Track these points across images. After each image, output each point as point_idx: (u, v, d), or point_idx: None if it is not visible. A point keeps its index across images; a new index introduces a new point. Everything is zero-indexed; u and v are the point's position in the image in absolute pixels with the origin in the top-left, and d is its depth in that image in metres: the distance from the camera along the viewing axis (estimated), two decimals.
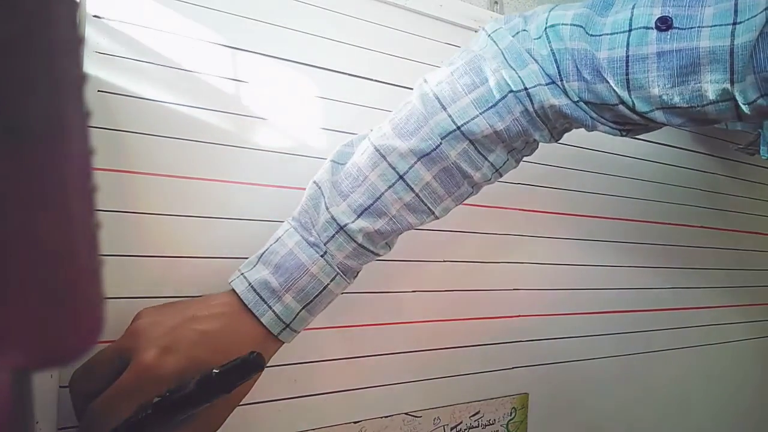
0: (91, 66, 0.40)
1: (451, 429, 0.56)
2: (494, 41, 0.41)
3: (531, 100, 0.40)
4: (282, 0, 0.49)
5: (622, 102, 0.39)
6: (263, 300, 0.38)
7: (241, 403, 0.39)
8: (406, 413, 0.53)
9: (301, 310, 0.39)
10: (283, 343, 0.40)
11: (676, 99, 0.37)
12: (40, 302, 0.14)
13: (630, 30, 0.37)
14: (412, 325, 0.54)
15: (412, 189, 0.40)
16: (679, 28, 0.35)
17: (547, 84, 0.40)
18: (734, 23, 0.33)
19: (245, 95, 0.46)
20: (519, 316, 0.61)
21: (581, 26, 0.39)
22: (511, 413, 0.60)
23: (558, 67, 0.40)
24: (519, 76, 0.40)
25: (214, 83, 0.45)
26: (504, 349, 0.60)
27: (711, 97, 0.36)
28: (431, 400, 0.55)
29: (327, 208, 0.39)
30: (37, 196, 0.13)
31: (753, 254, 0.89)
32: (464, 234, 0.58)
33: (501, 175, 0.44)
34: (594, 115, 0.41)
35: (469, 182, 0.42)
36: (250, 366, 0.33)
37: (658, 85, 0.37)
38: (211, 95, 0.45)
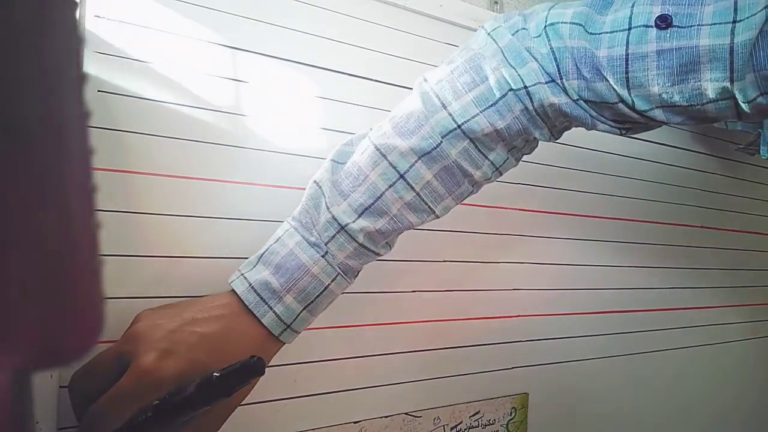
0: (91, 66, 0.40)
1: (451, 429, 0.56)
2: (494, 39, 0.41)
3: (531, 99, 0.40)
4: (282, 0, 0.49)
5: (622, 100, 0.39)
6: (264, 301, 0.38)
7: (240, 403, 0.39)
8: (406, 413, 0.53)
9: (302, 311, 0.39)
10: (284, 344, 0.40)
11: (676, 97, 0.37)
12: (40, 302, 0.14)
13: (630, 28, 0.37)
14: (412, 325, 0.54)
15: (412, 188, 0.40)
16: (678, 27, 0.35)
17: (546, 82, 0.40)
18: (734, 21, 0.33)
19: (245, 95, 0.46)
20: (519, 316, 0.61)
21: (581, 24, 0.39)
22: (511, 413, 0.60)
23: (558, 66, 0.40)
24: (519, 75, 0.40)
25: (214, 83, 0.45)
26: (504, 349, 0.60)
27: (711, 96, 0.36)
28: (431, 400, 0.55)
29: (328, 208, 0.39)
30: (37, 196, 0.13)
31: (753, 254, 0.89)
32: (464, 234, 0.58)
33: (501, 174, 0.44)
34: (594, 114, 0.41)
35: (469, 181, 0.42)
36: (251, 370, 0.33)
37: (658, 84, 0.37)
38: (211, 95, 0.45)
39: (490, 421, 0.58)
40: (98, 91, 0.40)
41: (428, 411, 0.54)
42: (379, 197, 0.39)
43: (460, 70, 0.41)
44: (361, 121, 0.52)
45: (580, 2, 0.41)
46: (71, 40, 0.15)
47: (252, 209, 0.46)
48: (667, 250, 0.76)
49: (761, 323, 0.89)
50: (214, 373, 0.32)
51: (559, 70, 0.40)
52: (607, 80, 0.38)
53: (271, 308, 0.38)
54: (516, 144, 0.43)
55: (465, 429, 0.56)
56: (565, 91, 0.40)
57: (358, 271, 0.42)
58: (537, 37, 0.40)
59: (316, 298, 0.39)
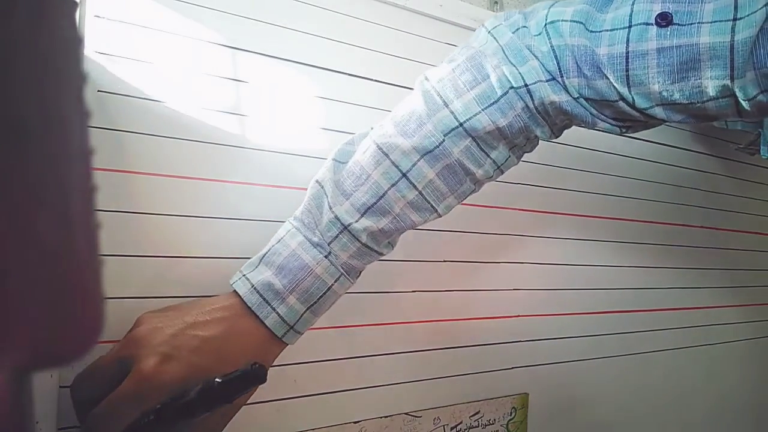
0: (91, 66, 0.40)
1: (451, 429, 0.56)
2: (494, 38, 0.41)
3: (531, 97, 0.40)
4: (282, 0, 0.49)
5: (622, 98, 0.39)
6: (267, 302, 0.38)
7: (241, 407, 0.39)
8: (406, 413, 0.53)
9: (305, 312, 0.39)
10: (287, 345, 0.40)
11: (676, 95, 0.37)
12: (40, 302, 0.14)
13: (630, 26, 0.37)
14: (412, 325, 0.54)
15: (415, 187, 0.40)
16: (679, 24, 0.35)
17: (547, 80, 0.40)
18: (734, 19, 0.33)
19: (245, 95, 0.46)
20: (519, 316, 0.61)
21: (581, 22, 0.39)
22: (511, 413, 0.60)
23: (558, 64, 0.40)
24: (519, 73, 0.40)
25: (214, 83, 0.45)
26: (504, 349, 0.60)
27: (711, 94, 0.36)
28: (431, 400, 0.55)
29: (330, 208, 0.39)
30: (37, 196, 0.13)
31: (753, 254, 0.89)
32: (464, 234, 0.58)
33: (502, 172, 0.44)
34: (594, 112, 0.41)
35: (471, 179, 0.42)
36: (252, 378, 0.33)
37: (658, 82, 0.37)
38: (211, 95, 0.45)
39: (490, 421, 0.58)
40: (98, 91, 0.40)
41: (428, 411, 0.54)
42: (382, 196, 0.39)
43: (461, 69, 0.41)
44: (361, 121, 0.52)
45: (580, 0, 0.41)
46: (71, 40, 0.15)
47: (252, 209, 0.46)
48: (667, 250, 0.76)
49: (761, 323, 0.89)
50: (216, 379, 0.32)
51: (559, 68, 0.40)
52: (607, 78, 0.38)
53: (274, 309, 0.38)
54: (517, 142, 0.43)
55: (465, 429, 0.56)
56: (565, 89, 0.40)
57: (361, 271, 0.42)
58: (537, 35, 0.40)
59: (319, 298, 0.39)
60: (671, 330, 0.76)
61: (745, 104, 0.35)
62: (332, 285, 0.39)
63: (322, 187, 0.40)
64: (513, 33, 0.41)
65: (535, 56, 0.40)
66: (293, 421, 0.47)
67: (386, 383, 0.52)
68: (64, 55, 0.14)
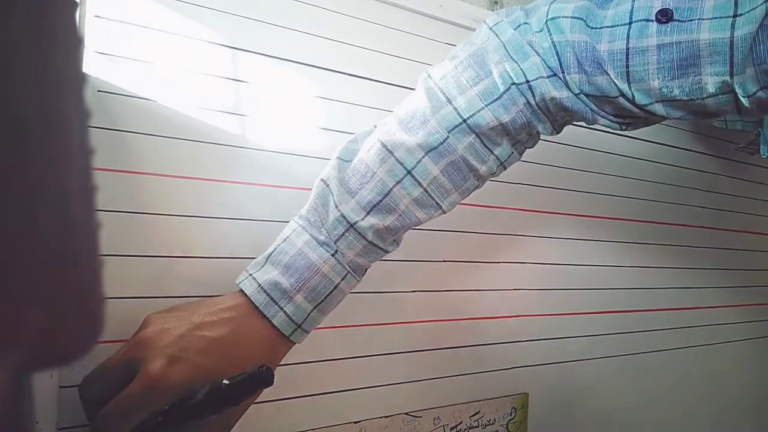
0: (91, 66, 0.40)
1: (451, 429, 0.56)
2: (496, 34, 0.42)
3: (532, 93, 0.40)
4: (282, 0, 0.49)
5: (622, 94, 0.39)
6: (274, 301, 0.38)
7: (248, 408, 0.39)
8: (406, 413, 0.53)
9: (312, 310, 0.39)
10: (294, 344, 0.40)
11: (676, 91, 0.37)
12: (40, 302, 0.14)
13: (630, 22, 0.37)
14: (412, 325, 0.54)
15: (420, 184, 0.40)
16: (679, 21, 0.35)
17: (548, 76, 0.40)
18: (734, 15, 0.33)
19: (245, 95, 0.46)
20: (519, 316, 0.61)
21: (582, 19, 0.39)
22: (511, 413, 0.60)
23: (559, 60, 0.40)
24: (521, 69, 0.40)
25: (214, 83, 0.45)
26: (504, 349, 0.60)
27: (711, 90, 0.36)
28: (431, 400, 0.55)
29: (336, 206, 0.39)
30: (37, 196, 0.13)
31: (753, 254, 0.89)
32: (464, 234, 0.58)
33: (505, 168, 0.44)
34: (594, 108, 0.41)
35: (475, 175, 0.42)
36: (259, 380, 0.33)
37: (658, 78, 0.37)
38: (211, 95, 0.45)
39: (490, 421, 0.58)
40: (98, 91, 0.40)
41: (428, 411, 0.54)
42: (387, 194, 0.39)
43: (464, 65, 0.41)
44: (361, 121, 0.52)
45: None
46: (71, 40, 0.15)
47: (252, 209, 0.46)
48: (667, 250, 0.76)
49: (761, 323, 0.89)
50: (224, 381, 0.32)
51: (560, 64, 0.40)
52: (607, 74, 0.39)
53: (281, 308, 0.38)
54: (520, 138, 0.43)
55: (465, 429, 0.56)
56: (566, 85, 0.40)
57: (366, 269, 0.42)
58: (539, 31, 0.41)
59: (326, 297, 0.39)
60: (671, 330, 0.76)
61: (744, 101, 0.35)
62: (339, 283, 0.39)
63: (328, 186, 0.40)
64: (514, 29, 0.41)
65: (536, 52, 0.40)
66: (293, 421, 0.47)
67: (386, 383, 0.52)
68: (64, 55, 0.14)
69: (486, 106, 0.40)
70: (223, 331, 0.36)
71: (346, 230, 0.39)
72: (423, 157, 0.40)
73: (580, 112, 0.41)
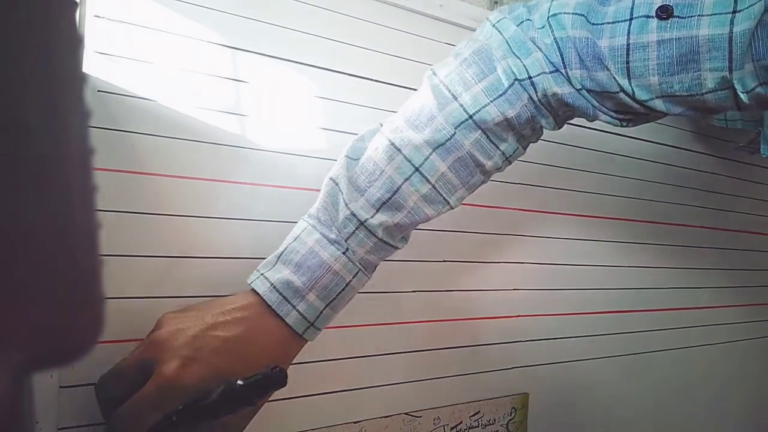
0: (91, 66, 0.40)
1: (451, 429, 0.56)
2: (499, 31, 0.42)
3: (535, 89, 0.41)
4: (282, 0, 0.49)
5: (623, 90, 0.39)
6: (287, 300, 0.38)
7: (261, 407, 0.39)
8: (406, 413, 0.53)
9: (324, 308, 0.39)
10: (306, 342, 0.40)
11: (676, 87, 0.37)
12: (40, 302, 0.14)
13: (631, 18, 0.38)
14: (411, 325, 0.54)
15: (428, 180, 0.40)
16: (679, 17, 0.36)
17: (550, 72, 0.40)
18: (734, 11, 0.34)
19: (245, 95, 0.46)
20: (519, 316, 0.61)
21: (583, 15, 0.40)
22: (511, 413, 0.60)
23: (561, 55, 0.40)
24: (524, 65, 0.40)
25: (214, 83, 0.45)
26: (504, 349, 0.60)
27: (710, 86, 0.36)
28: (431, 400, 0.55)
29: (346, 204, 0.39)
30: (37, 196, 0.13)
31: (753, 254, 0.89)
32: (464, 234, 0.58)
33: (510, 163, 0.45)
34: (596, 104, 0.41)
35: (481, 171, 0.43)
36: (273, 381, 0.33)
37: (658, 73, 0.37)
38: (211, 95, 0.45)
39: (490, 421, 0.58)
40: (98, 91, 0.40)
41: (428, 411, 0.54)
42: (396, 191, 0.40)
43: (468, 62, 0.41)
44: (361, 121, 0.52)
45: None
46: (71, 40, 0.15)
47: (252, 209, 0.46)
48: (667, 250, 0.76)
49: (761, 323, 0.89)
50: (238, 382, 0.33)
51: (563, 60, 0.40)
52: (608, 70, 0.39)
53: (294, 307, 0.38)
54: (525, 133, 0.44)
55: (465, 429, 0.56)
56: (568, 80, 0.40)
57: (376, 266, 0.43)
58: (541, 28, 0.41)
59: (338, 294, 0.39)
60: (671, 330, 0.76)
61: (743, 96, 0.35)
62: (350, 281, 0.40)
63: (337, 184, 0.40)
64: (517, 26, 0.42)
65: (539, 48, 0.41)
66: (293, 421, 0.47)
67: (386, 383, 0.52)
68: (64, 55, 0.14)
69: (491, 101, 0.40)
70: (236, 330, 0.37)
71: (357, 228, 0.39)
72: (431, 154, 0.40)
73: (582, 108, 0.42)
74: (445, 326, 0.56)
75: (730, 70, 0.34)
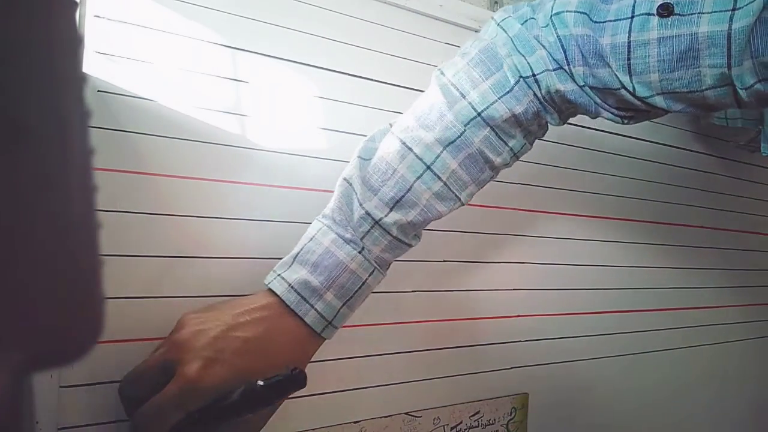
0: (91, 66, 0.40)
1: (451, 429, 0.56)
2: (503, 29, 0.43)
3: (539, 86, 0.41)
4: (282, 0, 0.49)
5: (624, 86, 0.40)
6: (305, 299, 0.38)
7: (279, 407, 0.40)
8: (406, 413, 0.53)
9: (342, 307, 0.40)
10: (324, 340, 0.41)
11: (676, 84, 0.38)
12: (40, 302, 0.14)
13: (632, 16, 0.38)
14: (411, 325, 0.54)
15: (439, 178, 0.41)
16: (680, 15, 0.36)
17: (554, 69, 0.41)
18: (733, 9, 0.34)
19: (245, 95, 0.46)
20: (519, 316, 0.61)
21: (585, 13, 0.40)
22: (511, 413, 0.60)
23: (565, 53, 0.41)
24: (528, 62, 0.41)
25: (215, 83, 0.45)
26: (504, 349, 0.60)
27: (709, 82, 0.37)
28: (431, 400, 0.55)
29: (360, 204, 0.40)
30: (38, 197, 0.13)
31: (753, 254, 0.89)
32: (464, 234, 0.58)
33: (518, 159, 0.46)
34: (598, 101, 0.42)
35: (490, 167, 0.44)
36: (292, 382, 0.34)
37: (658, 70, 0.38)
38: (211, 95, 0.45)
39: (490, 421, 0.58)
40: (98, 91, 0.40)
41: (428, 411, 0.54)
42: (409, 189, 0.40)
43: (475, 61, 0.42)
44: (361, 121, 0.52)
45: None
46: (71, 40, 0.15)
47: (252, 209, 0.46)
48: (667, 250, 0.76)
49: (761, 323, 0.89)
50: (258, 382, 0.33)
51: (566, 57, 0.41)
52: (609, 67, 0.39)
53: (312, 306, 0.39)
54: (531, 129, 0.44)
55: (465, 429, 0.56)
56: (572, 77, 0.41)
57: (390, 264, 0.43)
58: (545, 26, 0.42)
59: (354, 293, 0.40)
60: (671, 330, 0.76)
61: (742, 93, 0.36)
62: (367, 279, 0.40)
63: (351, 185, 0.41)
64: (521, 24, 0.42)
65: (542, 46, 0.41)
66: (293, 421, 0.47)
67: (386, 383, 0.52)
68: (64, 55, 0.14)
69: (499, 98, 0.41)
70: (256, 331, 0.37)
71: (372, 227, 0.40)
72: (441, 152, 0.41)
73: (584, 105, 0.42)
74: (445, 326, 0.56)
75: (729, 67, 0.35)
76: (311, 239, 0.40)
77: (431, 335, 0.55)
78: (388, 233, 0.40)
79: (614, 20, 0.39)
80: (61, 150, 0.14)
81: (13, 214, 0.13)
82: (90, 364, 0.39)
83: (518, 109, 0.41)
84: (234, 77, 0.46)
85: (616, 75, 0.39)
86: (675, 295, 0.77)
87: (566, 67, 0.41)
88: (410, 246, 0.43)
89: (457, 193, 0.43)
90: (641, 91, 0.39)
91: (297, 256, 0.40)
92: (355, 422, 0.50)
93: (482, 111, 0.41)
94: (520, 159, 0.46)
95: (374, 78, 0.53)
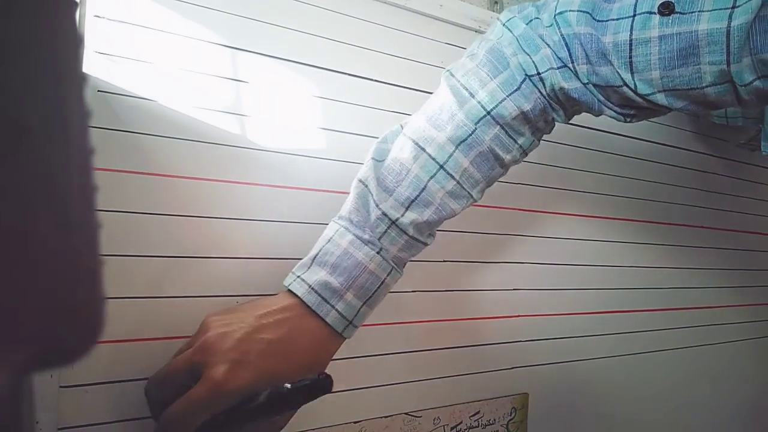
0: (91, 66, 0.40)
1: (451, 429, 0.56)
2: (509, 29, 0.43)
3: (543, 84, 0.42)
4: (282, 0, 0.49)
5: (626, 84, 0.40)
6: (325, 300, 0.39)
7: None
8: (406, 413, 0.53)
9: (362, 306, 0.40)
10: (344, 339, 0.41)
11: (677, 81, 0.38)
12: (40, 302, 0.14)
13: (634, 15, 0.39)
14: (412, 325, 0.54)
15: (452, 177, 0.42)
16: (680, 13, 0.37)
17: (558, 68, 0.42)
18: (733, 7, 0.34)
19: (245, 95, 0.46)
20: (519, 316, 0.61)
21: (587, 12, 0.41)
22: (511, 413, 0.60)
23: (569, 51, 0.41)
24: (533, 61, 0.42)
25: (214, 83, 0.45)
26: (504, 349, 0.60)
27: (709, 79, 0.37)
28: (431, 400, 0.55)
29: (377, 205, 0.40)
30: (38, 197, 0.13)
31: (753, 254, 0.89)
32: (464, 234, 0.58)
33: (526, 155, 0.46)
34: (601, 98, 0.42)
35: (500, 164, 0.44)
36: (319, 387, 0.35)
37: (659, 68, 0.38)
38: (211, 95, 0.45)
39: (490, 421, 0.58)
40: (98, 91, 0.40)
41: (428, 411, 0.54)
42: (423, 189, 0.41)
43: (483, 61, 0.43)
44: (361, 121, 0.52)
45: None
46: (71, 40, 0.15)
47: (252, 209, 0.46)
48: (667, 250, 0.76)
49: (761, 323, 0.89)
50: (286, 385, 0.34)
51: (570, 55, 0.41)
52: (611, 64, 0.40)
53: (333, 307, 0.39)
54: (539, 125, 0.45)
55: (465, 429, 0.56)
56: (576, 75, 0.42)
57: (406, 263, 0.44)
58: (549, 26, 0.42)
59: (374, 292, 0.41)
60: (671, 330, 0.76)
61: (742, 90, 0.36)
62: (385, 279, 0.41)
63: (366, 186, 0.41)
64: (527, 24, 0.43)
65: (547, 45, 0.42)
66: (293, 421, 0.47)
67: (386, 383, 0.52)
68: (64, 55, 0.14)
69: (507, 96, 0.42)
70: (279, 332, 0.38)
71: (388, 227, 0.40)
72: (454, 151, 0.41)
73: (588, 103, 0.43)
74: (445, 326, 0.56)
75: (728, 64, 0.35)
76: (329, 241, 0.40)
77: (431, 335, 0.55)
78: (405, 233, 0.41)
79: (616, 19, 0.39)
80: (62, 150, 0.14)
81: (14, 214, 0.13)
82: (90, 364, 0.39)
83: (527, 107, 0.42)
84: (234, 77, 0.46)
85: (618, 72, 0.40)
86: (675, 295, 0.77)
87: (570, 65, 0.42)
88: (426, 245, 0.43)
89: (470, 191, 0.43)
90: (643, 89, 0.40)
91: (315, 257, 0.40)
92: (355, 422, 0.50)
93: (492, 110, 0.41)
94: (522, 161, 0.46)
95: (374, 78, 0.53)
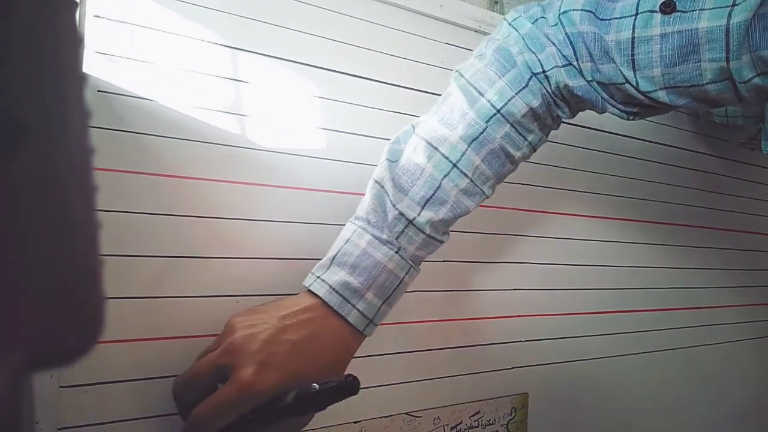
0: (91, 66, 0.40)
1: (451, 429, 0.56)
2: (515, 28, 0.44)
3: (548, 82, 0.43)
4: (282, 0, 0.49)
5: (628, 81, 0.41)
6: (346, 300, 0.40)
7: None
8: (406, 413, 0.53)
9: (381, 305, 0.41)
10: (365, 338, 0.42)
11: (678, 78, 0.39)
12: (40, 302, 0.14)
13: (636, 14, 0.39)
14: (412, 325, 0.54)
15: (466, 174, 0.43)
16: (682, 11, 0.37)
17: (563, 65, 0.43)
18: (733, 5, 0.35)
19: (245, 95, 0.46)
20: (519, 316, 0.61)
21: (591, 11, 0.42)
22: (511, 413, 0.60)
23: (573, 49, 0.42)
24: (538, 59, 0.43)
25: (214, 83, 0.45)
26: (504, 349, 0.60)
27: (710, 76, 0.38)
28: (431, 400, 0.55)
29: (393, 205, 0.41)
30: (38, 197, 0.13)
31: (753, 254, 0.89)
32: (464, 234, 0.58)
33: (535, 151, 0.47)
34: (604, 96, 0.43)
35: (510, 161, 0.45)
36: (346, 389, 0.35)
37: (661, 65, 0.39)
38: (211, 95, 0.45)
39: (490, 421, 0.58)
40: (98, 91, 0.40)
41: (428, 411, 0.54)
42: (438, 188, 0.42)
43: (491, 60, 0.44)
44: (361, 121, 0.52)
45: None
46: (71, 40, 0.15)
47: (251, 209, 0.46)
48: (667, 250, 0.76)
49: (761, 323, 0.89)
50: (314, 385, 0.35)
51: (575, 53, 0.42)
52: (614, 62, 0.41)
53: (354, 306, 0.40)
54: (546, 122, 0.46)
55: (465, 429, 0.56)
56: (581, 73, 0.43)
57: (422, 261, 0.44)
58: (554, 25, 0.43)
59: (393, 291, 0.41)
60: (671, 330, 0.76)
61: (741, 87, 0.37)
62: (404, 277, 0.42)
63: (382, 187, 0.42)
64: (532, 23, 0.44)
65: (552, 43, 0.43)
66: None
67: (386, 383, 0.52)
68: (64, 55, 0.14)
69: (516, 94, 0.43)
70: (304, 333, 0.38)
71: (406, 227, 0.41)
72: (466, 149, 0.42)
73: (591, 100, 0.44)
74: (445, 326, 0.56)
75: (728, 61, 0.36)
76: (347, 241, 0.41)
77: (431, 335, 0.55)
78: (422, 231, 0.42)
79: (619, 17, 0.40)
80: (62, 150, 0.14)
81: (14, 214, 0.13)
82: (90, 364, 0.39)
83: (535, 103, 0.43)
84: (234, 77, 0.46)
85: (620, 70, 0.41)
86: (675, 295, 0.77)
87: (575, 63, 0.42)
88: (442, 242, 0.44)
89: (482, 188, 0.44)
90: (645, 86, 0.40)
91: (335, 258, 0.41)
92: (355, 422, 0.50)
93: (501, 108, 0.42)
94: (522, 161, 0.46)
95: (374, 78, 0.53)
